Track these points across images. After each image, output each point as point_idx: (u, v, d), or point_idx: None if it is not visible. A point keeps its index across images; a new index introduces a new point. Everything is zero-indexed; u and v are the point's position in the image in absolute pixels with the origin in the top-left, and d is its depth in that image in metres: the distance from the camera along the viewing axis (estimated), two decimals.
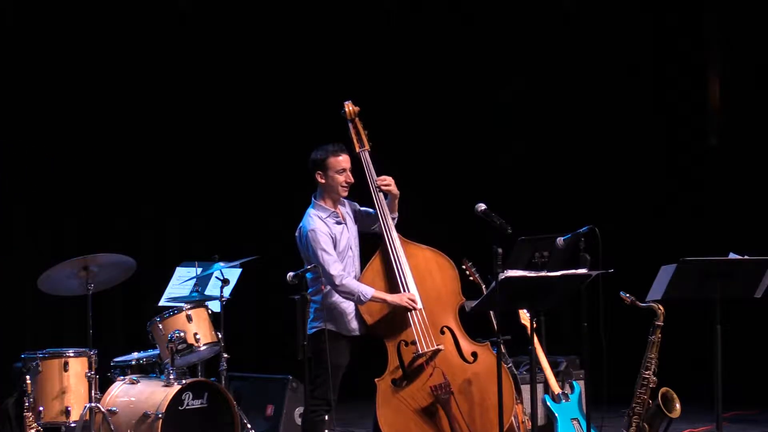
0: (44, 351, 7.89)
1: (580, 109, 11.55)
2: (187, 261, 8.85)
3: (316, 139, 7.24)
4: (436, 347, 7.05)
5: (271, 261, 9.14)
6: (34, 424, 7.73)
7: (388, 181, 7.19)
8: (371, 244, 7.24)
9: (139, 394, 7.78)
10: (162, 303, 8.74)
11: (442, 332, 7.14)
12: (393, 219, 7.22)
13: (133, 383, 7.91)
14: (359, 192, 7.23)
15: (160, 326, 8.07)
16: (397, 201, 7.24)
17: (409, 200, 7.50)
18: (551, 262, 7.12)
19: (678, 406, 7.41)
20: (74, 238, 10.40)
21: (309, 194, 7.16)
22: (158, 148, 10.98)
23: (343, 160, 7.08)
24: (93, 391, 7.76)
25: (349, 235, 7.13)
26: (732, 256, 7.20)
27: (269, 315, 11.12)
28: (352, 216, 7.23)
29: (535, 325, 6.85)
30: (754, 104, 11.12)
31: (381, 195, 7.18)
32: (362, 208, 7.30)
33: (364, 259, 7.21)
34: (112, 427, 7.67)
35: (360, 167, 7.21)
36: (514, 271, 6.50)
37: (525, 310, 7.52)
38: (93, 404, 7.71)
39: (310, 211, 7.10)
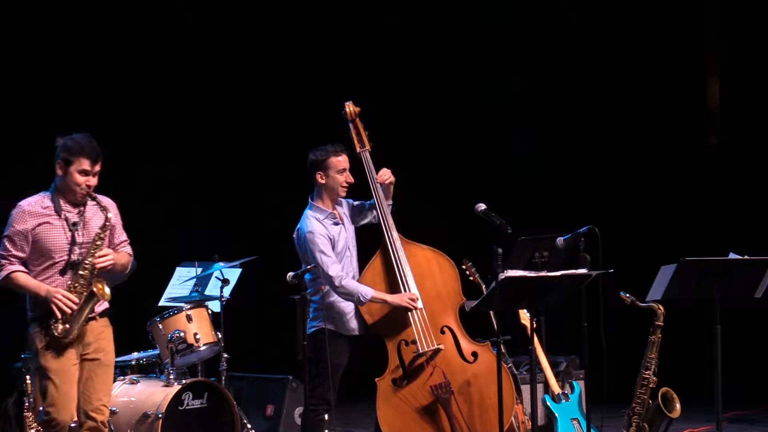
0: None
1: (580, 109, 11.55)
2: (187, 261, 8.85)
3: (316, 139, 7.24)
4: (436, 347, 7.05)
5: (271, 261, 9.14)
6: (34, 424, 7.72)
7: (387, 174, 7.21)
8: (371, 244, 7.25)
9: (139, 394, 7.77)
10: (162, 303, 8.74)
11: (443, 332, 7.14)
12: (388, 206, 7.24)
13: (133, 383, 7.90)
14: (359, 192, 7.23)
15: (160, 326, 8.07)
16: (392, 188, 7.26)
17: (409, 200, 7.50)
18: (551, 262, 7.12)
19: (678, 406, 7.41)
20: None
21: (308, 194, 7.16)
22: (158, 148, 10.98)
23: (344, 160, 7.08)
24: None
25: (346, 235, 7.13)
26: (732, 256, 7.21)
27: (269, 315, 11.12)
28: (348, 216, 7.24)
29: (535, 325, 6.85)
30: (754, 104, 11.13)
31: (382, 194, 7.19)
32: (355, 203, 7.30)
33: (364, 259, 7.21)
34: (112, 427, 7.66)
35: (360, 167, 7.21)
36: (514, 271, 6.50)
37: (525, 310, 7.52)
38: None
39: (308, 212, 7.09)
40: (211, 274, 8.56)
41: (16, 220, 6.20)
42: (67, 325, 6.19)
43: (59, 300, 6.15)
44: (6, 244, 6.21)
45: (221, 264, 8.39)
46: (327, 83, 10.83)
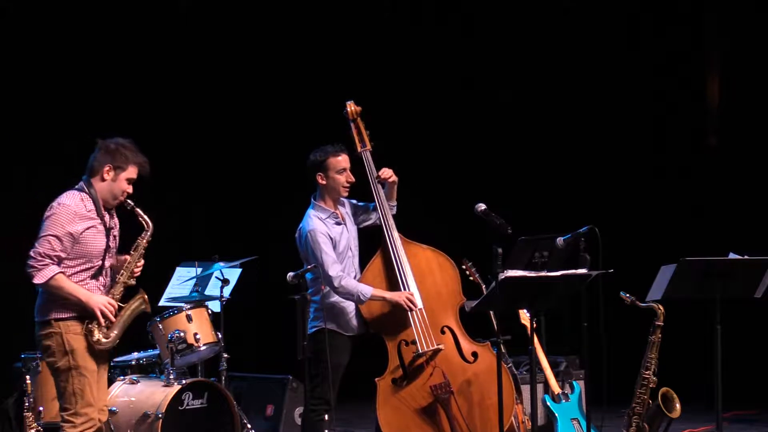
0: None
1: (580, 109, 11.55)
2: (187, 261, 8.85)
3: (316, 139, 7.24)
4: (436, 347, 7.05)
5: (271, 261, 9.14)
6: (34, 424, 7.73)
7: (389, 173, 7.20)
8: (371, 244, 7.24)
9: (139, 394, 7.77)
10: (162, 303, 8.74)
11: (443, 332, 7.13)
12: (392, 207, 7.23)
13: (133, 383, 7.90)
14: (360, 192, 7.22)
15: (160, 326, 8.06)
16: (395, 188, 7.24)
17: (409, 200, 7.49)
18: (551, 262, 7.11)
19: (678, 406, 7.41)
20: None
21: (309, 194, 7.16)
22: (158, 148, 10.93)
23: (343, 160, 7.07)
24: None
25: (348, 235, 7.13)
26: (732, 256, 7.21)
27: (269, 315, 11.12)
28: (351, 216, 7.23)
29: (535, 325, 6.85)
30: (754, 104, 11.13)
31: (382, 194, 7.18)
32: (359, 204, 7.30)
33: (364, 259, 7.21)
34: (112, 427, 7.66)
35: (361, 167, 7.20)
36: (514, 271, 6.49)
37: (525, 310, 7.52)
38: None
39: (310, 212, 7.09)
40: (211, 274, 8.57)
41: (66, 220, 6.03)
42: (110, 332, 6.12)
43: (106, 307, 6.08)
44: (51, 242, 6.00)
45: (221, 264, 8.39)
46: (327, 83, 10.83)
